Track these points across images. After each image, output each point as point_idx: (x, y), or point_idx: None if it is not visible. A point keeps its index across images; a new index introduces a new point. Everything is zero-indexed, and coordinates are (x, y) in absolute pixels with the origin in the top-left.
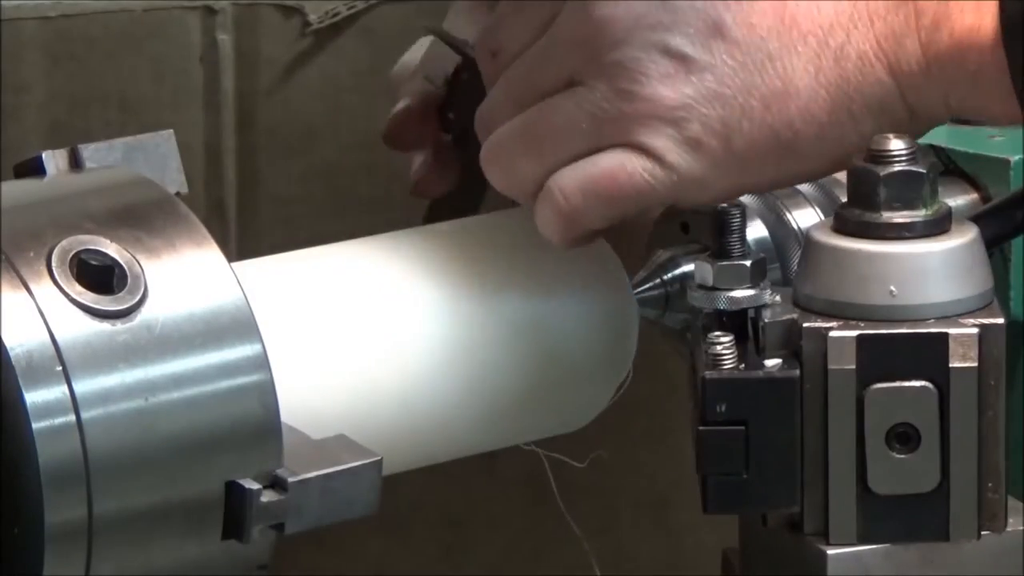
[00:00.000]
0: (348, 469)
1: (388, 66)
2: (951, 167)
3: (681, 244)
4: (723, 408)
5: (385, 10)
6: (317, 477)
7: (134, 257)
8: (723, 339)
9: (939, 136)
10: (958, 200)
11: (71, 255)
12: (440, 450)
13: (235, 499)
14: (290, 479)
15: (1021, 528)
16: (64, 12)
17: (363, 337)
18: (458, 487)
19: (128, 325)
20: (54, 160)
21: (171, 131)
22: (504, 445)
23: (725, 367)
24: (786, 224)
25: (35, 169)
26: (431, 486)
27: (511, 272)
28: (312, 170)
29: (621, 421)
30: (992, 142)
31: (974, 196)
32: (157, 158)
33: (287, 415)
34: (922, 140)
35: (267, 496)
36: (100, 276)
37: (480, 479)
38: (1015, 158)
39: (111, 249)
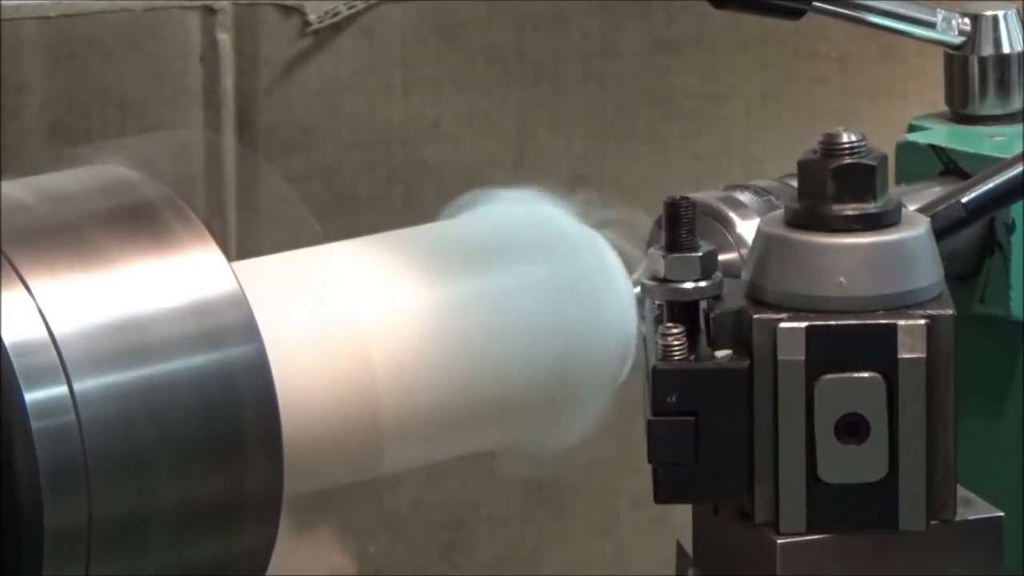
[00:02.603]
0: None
1: (388, 66)
2: (951, 167)
3: None
4: (673, 399)
5: (385, 10)
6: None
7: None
8: (674, 330)
9: (939, 136)
10: None
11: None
12: (438, 450)
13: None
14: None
15: (970, 518)
16: (64, 12)
17: (362, 337)
18: (458, 487)
19: (130, 324)
20: None
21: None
22: (502, 444)
23: (675, 358)
24: None
25: None
26: (431, 486)
27: (510, 271)
28: (312, 170)
29: (621, 420)
30: (992, 142)
31: None
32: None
33: (286, 415)
34: (922, 140)
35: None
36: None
37: (480, 479)
38: None
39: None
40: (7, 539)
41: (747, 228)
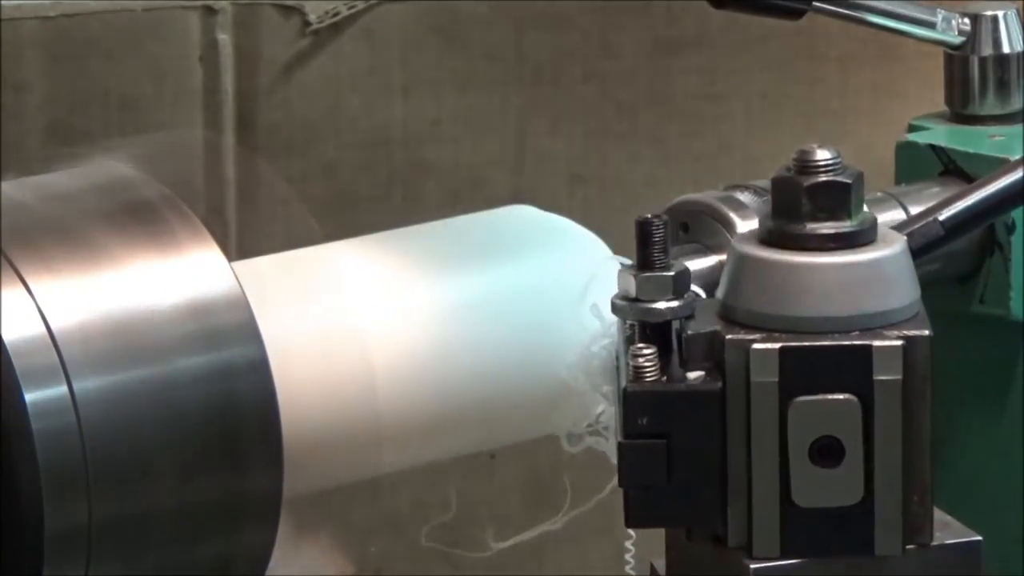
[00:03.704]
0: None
1: (388, 66)
2: (951, 167)
3: (680, 243)
4: (645, 421)
5: (385, 10)
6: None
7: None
8: (646, 351)
9: (939, 136)
10: None
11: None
12: (438, 450)
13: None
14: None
15: (947, 542)
16: (64, 12)
17: (362, 336)
18: (458, 487)
19: (130, 324)
20: None
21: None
22: (499, 444)
23: (647, 379)
24: None
25: None
26: (431, 486)
27: (507, 272)
28: (312, 170)
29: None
30: (992, 142)
31: None
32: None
33: (286, 415)
34: (922, 140)
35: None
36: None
37: (480, 479)
38: (1015, 158)
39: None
40: (7, 539)
41: (747, 228)
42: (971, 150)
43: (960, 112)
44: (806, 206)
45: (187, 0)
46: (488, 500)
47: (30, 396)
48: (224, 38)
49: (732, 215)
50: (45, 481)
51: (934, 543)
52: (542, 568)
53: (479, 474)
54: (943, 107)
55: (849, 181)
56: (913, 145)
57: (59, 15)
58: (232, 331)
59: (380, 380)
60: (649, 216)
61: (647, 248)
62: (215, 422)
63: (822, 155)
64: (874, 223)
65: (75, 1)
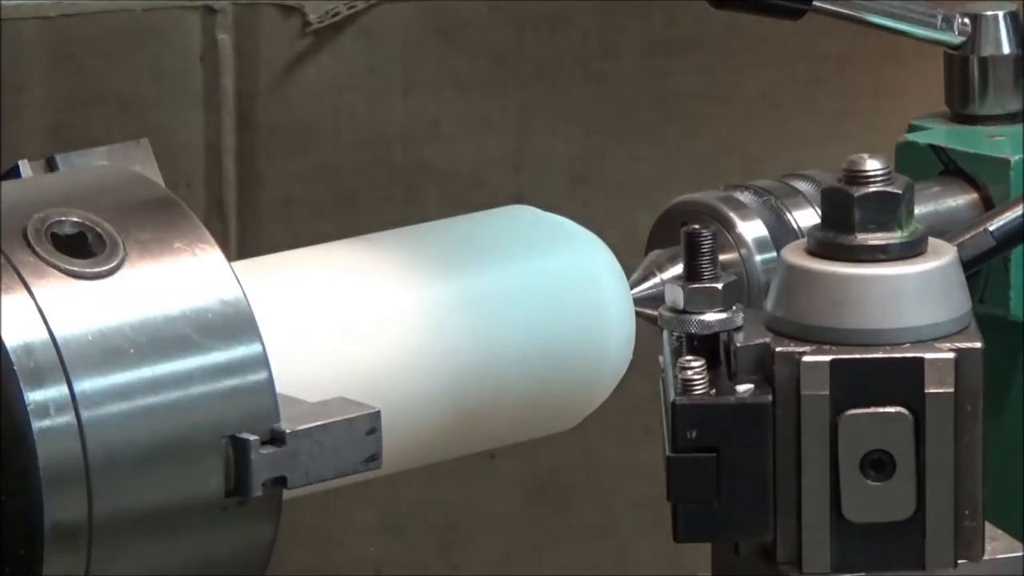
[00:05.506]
0: (345, 420)
1: (388, 66)
2: (951, 167)
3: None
4: (693, 434)
5: (385, 10)
6: (314, 427)
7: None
8: (694, 364)
9: (939, 136)
10: (958, 200)
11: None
12: (438, 449)
13: (236, 454)
14: (288, 430)
15: (998, 557)
16: (64, 12)
17: (363, 335)
18: (458, 487)
19: (130, 323)
20: (30, 171)
21: (147, 139)
22: (498, 444)
23: (696, 392)
24: (786, 224)
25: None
26: (431, 486)
27: (507, 272)
28: (312, 170)
29: (621, 420)
30: (992, 142)
31: (974, 196)
32: (134, 166)
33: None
34: (922, 140)
35: (266, 449)
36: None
37: (480, 479)
38: (1015, 158)
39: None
40: (7, 539)
41: (747, 228)
42: (971, 150)
43: (960, 112)
44: (856, 217)
45: (187, 0)
46: (488, 500)
47: (30, 396)
48: (224, 38)
49: (732, 215)
50: (45, 481)
51: (986, 557)
52: (542, 568)
53: (479, 474)
54: (943, 107)
55: (899, 191)
56: (913, 145)
57: (59, 15)
58: (232, 330)
59: (379, 380)
60: (697, 227)
61: (695, 259)
62: (215, 422)
63: (872, 165)
64: (925, 234)
65: (75, 1)
